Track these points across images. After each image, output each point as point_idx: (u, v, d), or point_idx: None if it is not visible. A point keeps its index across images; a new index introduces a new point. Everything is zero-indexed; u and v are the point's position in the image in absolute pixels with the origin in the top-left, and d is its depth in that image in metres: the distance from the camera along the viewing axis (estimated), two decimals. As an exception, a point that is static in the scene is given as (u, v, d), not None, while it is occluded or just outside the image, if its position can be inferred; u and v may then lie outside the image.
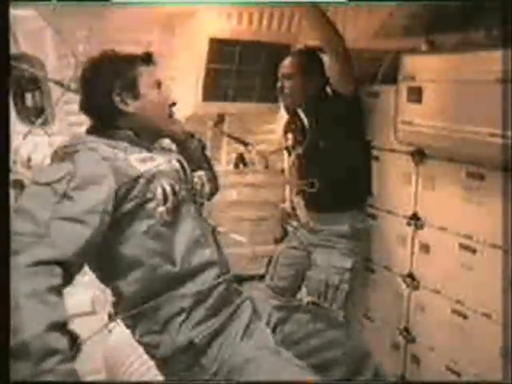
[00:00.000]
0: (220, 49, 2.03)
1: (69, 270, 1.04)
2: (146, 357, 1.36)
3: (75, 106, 1.90)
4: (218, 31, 1.99)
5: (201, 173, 1.46)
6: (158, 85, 1.37)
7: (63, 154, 1.20)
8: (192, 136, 1.60)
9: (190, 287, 1.24)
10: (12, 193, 1.77)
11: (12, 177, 1.76)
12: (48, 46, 1.77)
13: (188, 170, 1.39)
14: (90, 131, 1.35)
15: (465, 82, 1.53)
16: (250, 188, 2.47)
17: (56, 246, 1.02)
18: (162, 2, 1.78)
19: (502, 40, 1.46)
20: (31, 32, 1.70)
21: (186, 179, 1.35)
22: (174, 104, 1.40)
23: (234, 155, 2.35)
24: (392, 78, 1.83)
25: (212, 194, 1.68)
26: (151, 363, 1.36)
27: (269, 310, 1.39)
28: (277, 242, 2.49)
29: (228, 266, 1.35)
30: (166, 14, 1.90)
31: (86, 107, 1.35)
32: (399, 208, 1.96)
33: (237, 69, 2.12)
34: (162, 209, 1.21)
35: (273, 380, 1.15)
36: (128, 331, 1.31)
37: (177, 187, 1.26)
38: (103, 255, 1.20)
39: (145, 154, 1.28)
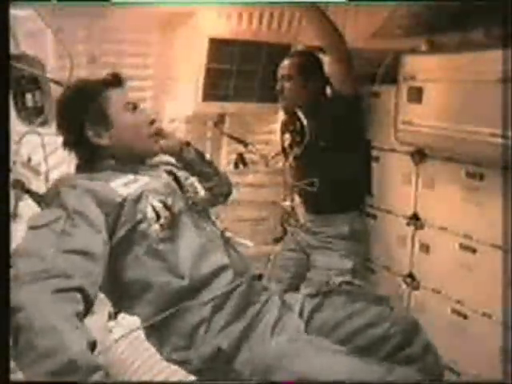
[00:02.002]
0: (220, 49, 2.03)
1: (86, 299, 1.02)
2: (146, 356, 1.35)
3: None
4: (218, 31, 1.98)
5: (192, 179, 1.43)
6: (133, 106, 1.34)
7: (49, 199, 1.20)
8: (188, 144, 1.60)
9: (206, 295, 1.21)
10: (12, 193, 1.77)
11: (12, 177, 1.76)
12: (48, 46, 1.76)
13: (185, 180, 1.38)
14: (77, 168, 1.35)
15: (465, 81, 1.53)
16: (250, 188, 2.47)
17: (69, 276, 1.00)
18: (162, 2, 1.78)
19: (502, 40, 1.46)
20: (31, 32, 1.70)
21: (182, 190, 1.34)
22: (153, 121, 1.37)
23: (234, 155, 2.36)
24: (392, 78, 1.83)
25: (227, 195, 1.69)
26: (151, 363, 1.36)
27: (301, 299, 1.35)
28: (277, 241, 2.49)
29: (246, 266, 1.32)
30: (166, 13, 1.90)
31: (65, 145, 1.35)
32: (399, 208, 1.96)
33: (237, 69, 2.12)
34: (155, 227, 1.20)
35: (308, 372, 1.11)
36: (128, 331, 1.31)
37: (169, 201, 1.24)
38: (112, 284, 1.21)
39: (128, 178, 1.26)
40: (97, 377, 0.89)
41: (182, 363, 1.22)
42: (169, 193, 1.28)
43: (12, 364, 0.93)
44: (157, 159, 1.46)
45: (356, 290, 1.64)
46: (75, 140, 1.31)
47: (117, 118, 1.30)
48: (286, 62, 1.98)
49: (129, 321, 1.33)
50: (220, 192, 1.65)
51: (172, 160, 1.55)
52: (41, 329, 0.90)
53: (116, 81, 1.34)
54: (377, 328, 1.25)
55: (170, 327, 1.21)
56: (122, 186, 1.22)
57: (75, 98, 1.33)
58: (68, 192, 1.18)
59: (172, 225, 1.23)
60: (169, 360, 1.24)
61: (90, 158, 1.32)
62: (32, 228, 1.11)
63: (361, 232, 2.02)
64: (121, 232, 1.18)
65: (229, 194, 1.70)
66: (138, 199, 1.21)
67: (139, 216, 1.20)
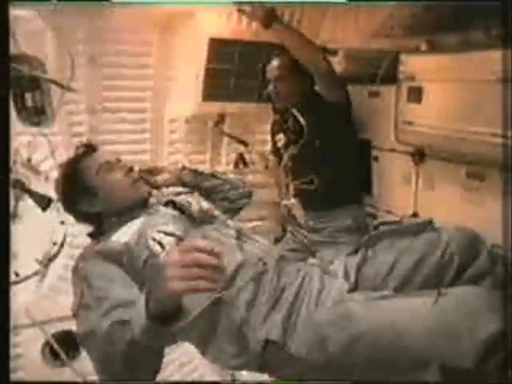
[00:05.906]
0: (220, 49, 2.03)
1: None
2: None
3: (75, 106, 1.92)
4: (218, 31, 1.98)
5: (182, 196, 1.47)
6: (107, 167, 1.39)
7: (74, 279, 1.25)
8: (184, 168, 1.65)
9: (233, 296, 1.21)
10: (12, 193, 1.77)
11: (12, 177, 1.76)
12: (48, 45, 1.77)
13: (185, 202, 1.41)
14: (90, 236, 1.41)
15: (465, 81, 1.53)
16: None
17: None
18: (162, 2, 1.78)
19: (502, 40, 1.46)
20: (31, 32, 1.70)
21: (181, 211, 1.38)
22: (131, 170, 1.41)
23: (234, 155, 2.36)
24: (392, 78, 1.83)
25: (248, 195, 1.72)
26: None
27: (344, 260, 1.34)
28: (277, 241, 2.49)
29: (266, 253, 1.32)
30: (166, 13, 1.90)
31: (78, 222, 1.44)
32: (399, 208, 1.96)
33: (237, 69, 2.12)
34: (163, 256, 1.21)
35: (362, 325, 1.10)
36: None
37: (169, 228, 1.27)
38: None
39: (126, 226, 1.30)
40: None
41: (243, 367, 1.24)
42: (166, 220, 1.31)
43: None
44: (165, 192, 1.52)
45: (394, 228, 1.45)
46: (76, 216, 1.41)
47: (98, 183, 1.37)
48: (274, 63, 1.96)
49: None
50: (238, 196, 1.68)
51: (178, 189, 1.59)
52: None
53: (89, 149, 1.41)
54: (431, 257, 1.22)
55: (216, 337, 1.21)
56: (122, 234, 1.27)
57: (60, 182, 1.41)
58: (81, 265, 1.23)
59: None
60: (232, 368, 1.25)
61: (97, 224, 1.39)
62: (74, 316, 1.16)
63: (364, 225, 2.01)
64: (138, 276, 1.19)
65: (249, 193, 1.72)
66: (138, 239, 1.24)
67: (145, 253, 1.22)
